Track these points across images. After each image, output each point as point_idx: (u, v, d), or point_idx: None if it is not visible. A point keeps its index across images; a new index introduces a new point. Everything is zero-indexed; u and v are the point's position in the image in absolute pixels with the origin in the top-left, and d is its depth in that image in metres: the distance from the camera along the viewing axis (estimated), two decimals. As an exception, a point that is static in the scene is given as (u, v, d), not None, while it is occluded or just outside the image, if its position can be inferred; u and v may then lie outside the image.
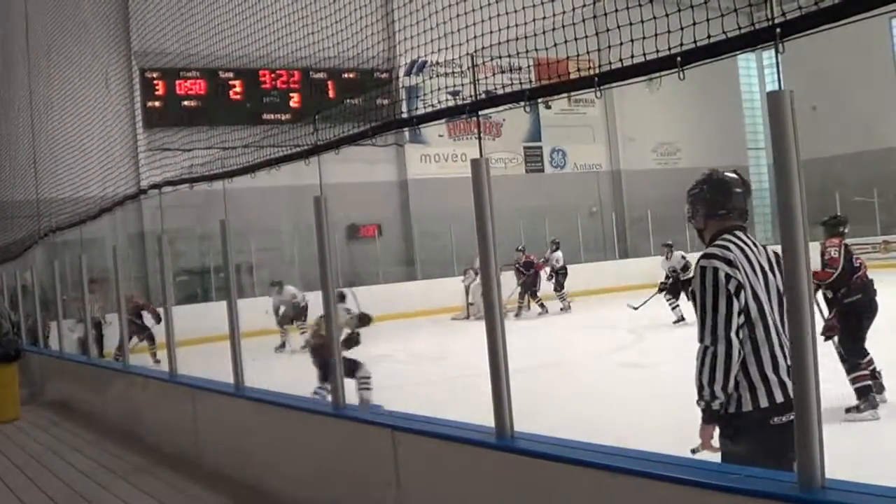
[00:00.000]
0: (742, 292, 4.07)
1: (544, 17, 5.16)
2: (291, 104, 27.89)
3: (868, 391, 8.83)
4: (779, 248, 3.53)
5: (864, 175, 30.37)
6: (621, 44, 4.34)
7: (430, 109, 5.88)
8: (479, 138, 4.86)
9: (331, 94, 27.22)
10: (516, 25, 5.43)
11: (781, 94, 3.34)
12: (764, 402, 4.04)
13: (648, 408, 10.05)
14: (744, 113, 37.78)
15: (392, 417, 5.85)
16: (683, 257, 20.04)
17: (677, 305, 19.18)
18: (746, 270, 4.13)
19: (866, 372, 8.92)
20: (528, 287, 24.55)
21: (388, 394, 10.42)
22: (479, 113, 5.26)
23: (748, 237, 4.32)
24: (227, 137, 10.22)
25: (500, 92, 5.20)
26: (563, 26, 5.00)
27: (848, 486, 3.28)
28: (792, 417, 3.61)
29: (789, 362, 3.72)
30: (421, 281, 28.83)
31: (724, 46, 3.79)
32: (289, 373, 13.89)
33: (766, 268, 4.22)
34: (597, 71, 4.36)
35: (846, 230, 9.56)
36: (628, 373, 13.42)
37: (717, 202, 4.38)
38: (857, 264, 9.28)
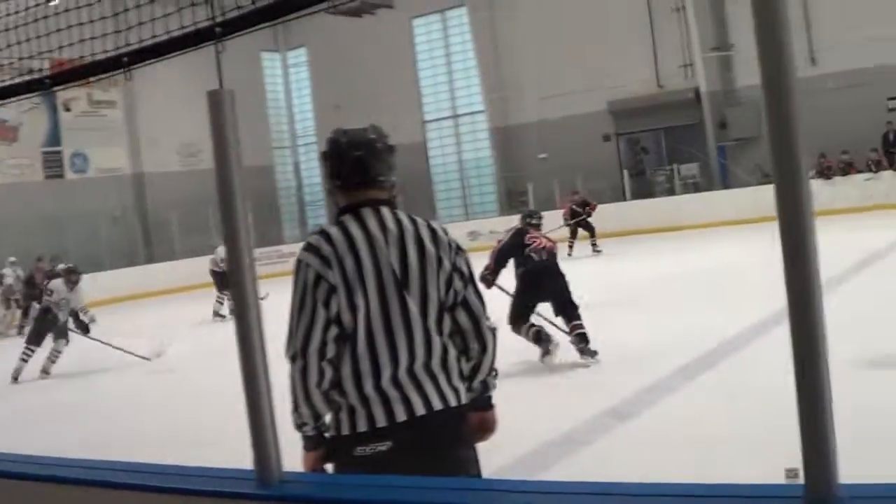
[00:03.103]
0: (333, 298, 3.12)
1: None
2: None
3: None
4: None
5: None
6: (71, 44, 4.17)
7: None
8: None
9: None
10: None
11: (219, 92, 3.34)
12: (363, 426, 3.12)
13: (180, 415, 9.83)
14: (269, 113, 38.52)
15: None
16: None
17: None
18: (346, 268, 3.14)
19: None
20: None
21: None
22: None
23: (387, 214, 3.26)
24: None
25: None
26: (17, 26, 4.74)
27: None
28: (382, 448, 3.08)
29: (417, 373, 3.15)
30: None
31: (168, 46, 3.75)
32: None
33: (395, 253, 3.20)
34: (47, 73, 4.18)
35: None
36: (159, 380, 12.89)
37: (335, 168, 3.32)
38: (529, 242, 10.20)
